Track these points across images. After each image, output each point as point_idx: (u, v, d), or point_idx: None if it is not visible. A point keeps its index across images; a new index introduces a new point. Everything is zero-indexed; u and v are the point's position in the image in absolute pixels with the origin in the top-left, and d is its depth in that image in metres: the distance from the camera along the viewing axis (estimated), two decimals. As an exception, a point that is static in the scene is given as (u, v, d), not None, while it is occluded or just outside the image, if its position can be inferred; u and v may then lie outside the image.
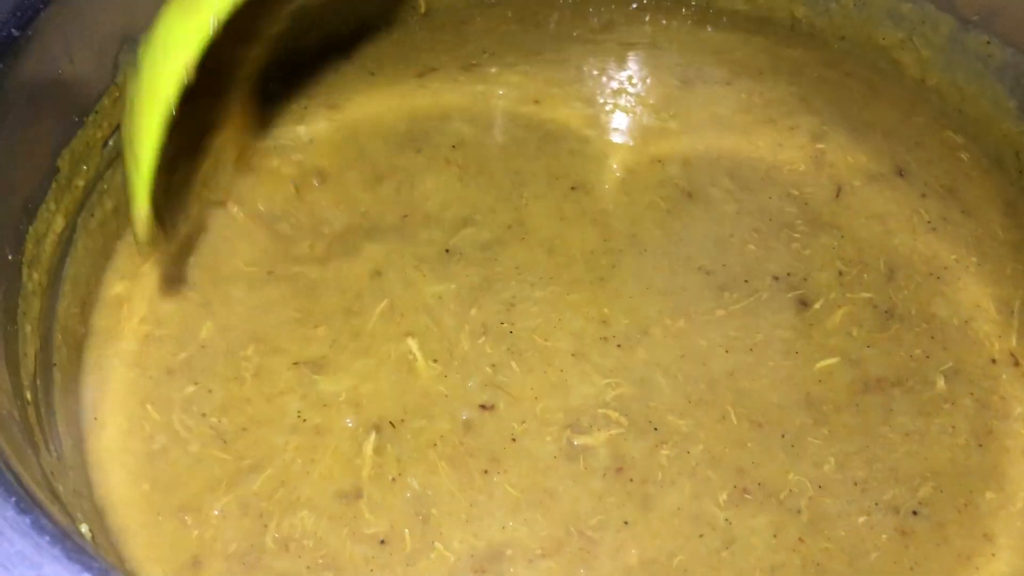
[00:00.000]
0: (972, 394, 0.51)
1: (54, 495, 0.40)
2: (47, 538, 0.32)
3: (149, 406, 0.52)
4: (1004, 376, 0.52)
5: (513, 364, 0.52)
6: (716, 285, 0.55)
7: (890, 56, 0.62)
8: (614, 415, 0.51)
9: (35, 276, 0.50)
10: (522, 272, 0.55)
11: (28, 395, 0.45)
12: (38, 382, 0.48)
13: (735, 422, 0.50)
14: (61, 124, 0.53)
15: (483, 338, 0.53)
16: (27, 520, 0.32)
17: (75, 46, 0.53)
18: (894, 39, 0.61)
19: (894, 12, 0.60)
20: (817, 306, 0.54)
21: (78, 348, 0.54)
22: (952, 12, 0.57)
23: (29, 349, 0.48)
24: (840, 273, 0.55)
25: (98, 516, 0.47)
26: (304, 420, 0.51)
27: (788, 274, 0.55)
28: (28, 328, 0.48)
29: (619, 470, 0.49)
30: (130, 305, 0.56)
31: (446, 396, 0.51)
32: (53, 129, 0.52)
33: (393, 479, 0.49)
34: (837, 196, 0.58)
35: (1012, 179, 0.57)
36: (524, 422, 0.50)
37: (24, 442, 0.40)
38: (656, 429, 0.50)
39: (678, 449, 0.49)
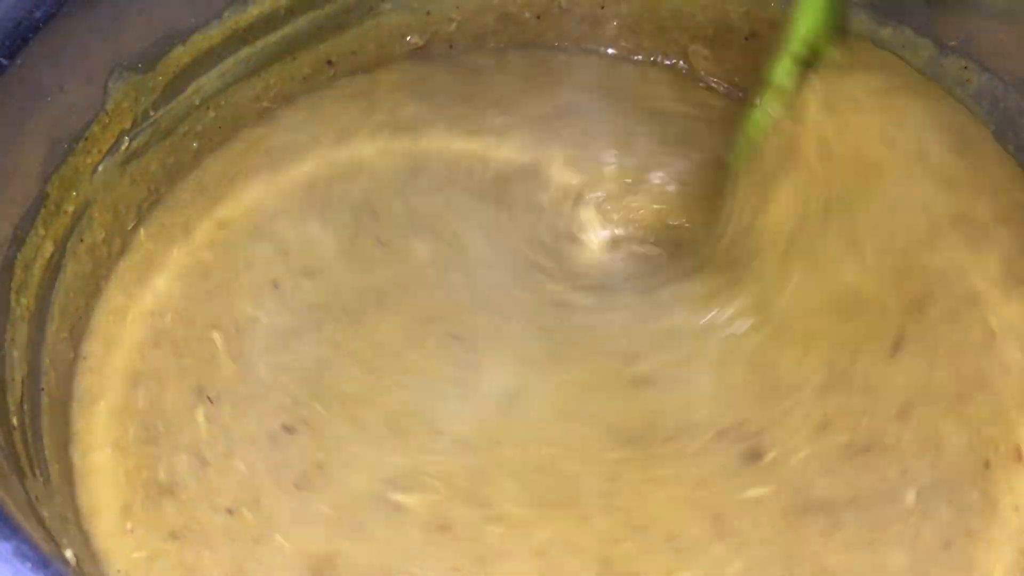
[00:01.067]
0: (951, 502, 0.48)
1: (39, 521, 0.40)
2: (28, 564, 0.32)
3: (139, 432, 0.52)
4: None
5: None
6: None
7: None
8: None
9: (23, 302, 0.51)
10: None
11: (14, 420, 0.46)
12: (25, 407, 0.48)
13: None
14: (51, 150, 0.53)
15: None
16: (8, 547, 0.33)
17: (65, 74, 0.54)
18: (875, 63, 0.61)
19: (875, 36, 0.61)
20: None
21: (67, 373, 0.54)
22: (930, 37, 0.58)
23: (16, 375, 0.48)
24: None
25: (84, 541, 0.48)
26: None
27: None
28: (16, 354, 0.49)
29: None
30: (120, 331, 0.56)
31: None
32: (43, 155, 0.53)
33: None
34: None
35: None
36: None
37: (8, 468, 0.41)
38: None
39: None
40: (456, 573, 0.47)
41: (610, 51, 0.69)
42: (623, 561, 0.47)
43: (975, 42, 0.56)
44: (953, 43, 0.57)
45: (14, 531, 0.34)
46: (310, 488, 0.50)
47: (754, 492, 0.48)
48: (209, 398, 0.53)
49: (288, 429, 0.52)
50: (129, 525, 0.49)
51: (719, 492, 0.48)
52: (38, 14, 0.51)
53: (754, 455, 0.49)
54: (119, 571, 0.47)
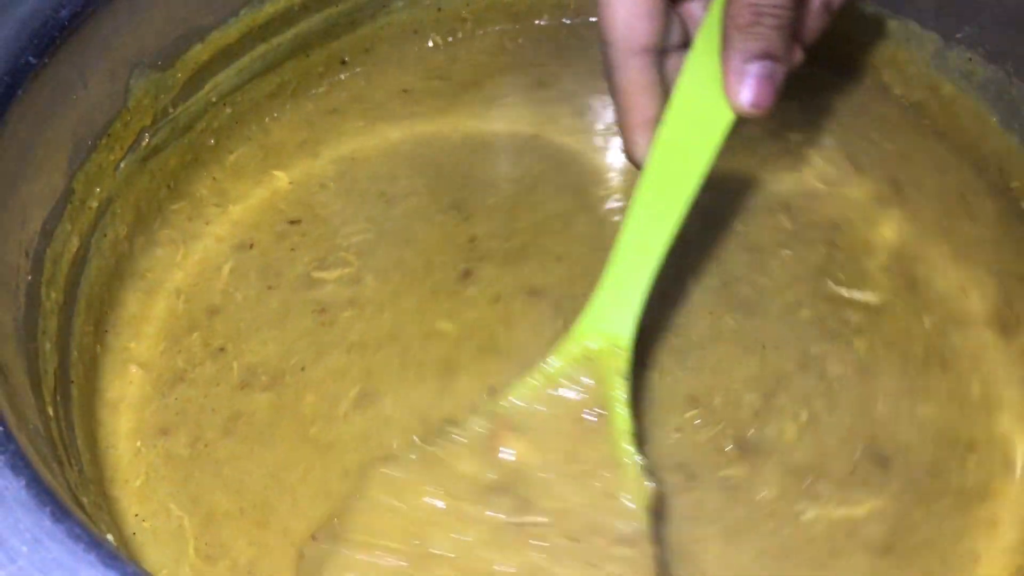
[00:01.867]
0: None
1: (80, 506, 0.41)
2: (82, 545, 0.33)
3: (161, 423, 0.53)
4: None
5: None
6: None
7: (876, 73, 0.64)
8: None
9: (52, 295, 0.52)
10: None
11: (50, 411, 0.47)
12: (58, 398, 0.49)
13: None
14: (76, 147, 0.54)
15: None
16: (62, 528, 0.34)
17: (89, 73, 0.55)
18: (881, 57, 0.63)
19: (882, 30, 0.62)
20: None
21: (93, 366, 0.55)
22: (936, 30, 0.60)
23: (49, 366, 0.49)
24: None
25: (117, 529, 0.49)
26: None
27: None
28: (47, 346, 0.50)
29: None
30: (141, 323, 0.57)
31: None
32: (69, 152, 0.54)
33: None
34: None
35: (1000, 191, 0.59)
36: None
37: (51, 457, 0.42)
38: None
39: None
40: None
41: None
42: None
43: (980, 35, 0.58)
44: (959, 35, 0.59)
45: (66, 514, 0.35)
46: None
47: None
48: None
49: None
50: (147, 524, 0.50)
51: None
52: (63, 13, 0.52)
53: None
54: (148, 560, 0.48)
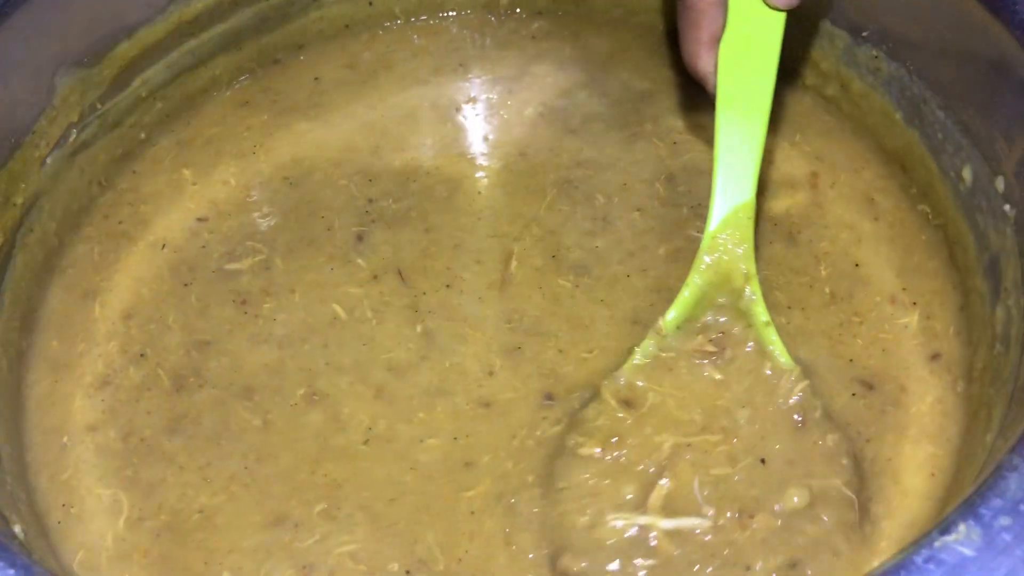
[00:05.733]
0: None
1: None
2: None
3: (90, 421, 0.54)
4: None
5: None
6: None
7: (790, 68, 0.65)
8: None
9: (-24, 292, 0.53)
10: None
11: (-32, 405, 0.48)
12: (-23, 393, 0.50)
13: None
14: (-1, 145, 0.55)
15: None
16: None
17: (10, 71, 0.55)
18: (794, 53, 0.64)
19: (793, 26, 0.63)
20: None
21: (19, 361, 0.56)
22: (845, 28, 0.61)
23: (-30, 361, 0.51)
24: None
25: (37, 520, 0.50)
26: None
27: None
28: (-31, 341, 0.51)
29: None
30: (71, 320, 0.58)
31: None
32: (-9, 150, 0.55)
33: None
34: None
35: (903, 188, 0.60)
36: None
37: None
38: None
39: None
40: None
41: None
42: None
43: (884, 33, 0.59)
44: (865, 34, 0.60)
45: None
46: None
47: None
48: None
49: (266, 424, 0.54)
50: (75, 510, 0.51)
51: None
52: (-17, 12, 0.53)
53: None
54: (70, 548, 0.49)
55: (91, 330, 0.57)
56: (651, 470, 0.49)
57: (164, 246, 0.60)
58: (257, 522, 0.50)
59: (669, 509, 0.47)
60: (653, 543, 0.46)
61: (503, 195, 0.62)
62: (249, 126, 0.66)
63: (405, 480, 0.51)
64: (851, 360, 0.54)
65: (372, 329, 0.56)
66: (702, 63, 0.52)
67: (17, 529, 0.43)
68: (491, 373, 0.54)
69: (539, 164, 0.63)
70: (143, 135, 0.65)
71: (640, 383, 0.51)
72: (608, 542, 0.47)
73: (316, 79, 0.69)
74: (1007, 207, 0.51)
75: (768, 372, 0.51)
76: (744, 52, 0.51)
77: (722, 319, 0.52)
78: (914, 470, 0.50)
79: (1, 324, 0.55)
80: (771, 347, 0.51)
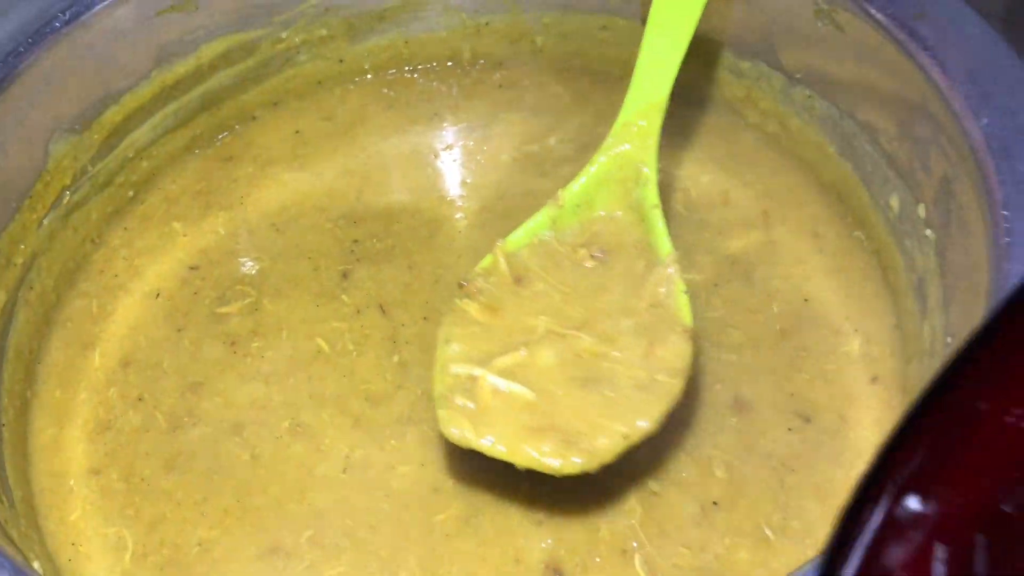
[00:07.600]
0: None
1: (8, 539, 0.46)
2: (5, 573, 0.38)
3: (93, 465, 0.57)
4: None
5: None
6: None
7: (734, 108, 0.70)
8: None
9: (-18, 346, 0.56)
10: None
11: (-20, 452, 0.52)
12: (-11, 441, 0.54)
13: None
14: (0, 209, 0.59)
15: None
16: (-13, 560, 0.39)
17: (7, 139, 0.59)
18: (738, 93, 0.69)
19: (735, 68, 0.68)
20: None
21: (24, 410, 0.59)
22: (780, 70, 0.66)
23: (-20, 413, 0.54)
24: None
25: (50, 559, 0.53)
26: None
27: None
28: (-21, 394, 0.54)
29: None
30: (71, 369, 0.61)
31: None
32: (-8, 214, 0.59)
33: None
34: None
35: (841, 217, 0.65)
36: None
37: (-20, 494, 0.47)
38: None
39: None
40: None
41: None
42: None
43: (816, 75, 0.64)
44: (799, 76, 0.65)
45: (-10, 546, 0.40)
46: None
47: None
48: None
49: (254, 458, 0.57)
50: (83, 548, 0.54)
51: None
52: (-20, 84, 0.57)
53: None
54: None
55: (92, 378, 0.61)
56: (518, 342, 0.53)
57: (158, 295, 0.64)
58: (252, 553, 0.53)
59: (508, 373, 0.52)
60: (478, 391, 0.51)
61: (481, 234, 0.66)
62: (235, 178, 0.70)
63: (382, 507, 0.55)
64: (792, 394, 0.56)
65: (352, 361, 0.60)
66: None
67: (36, 566, 0.47)
68: None
69: (515, 206, 0.67)
70: (131, 193, 0.69)
71: (532, 265, 0.56)
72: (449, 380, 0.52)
73: (297, 132, 0.73)
74: (928, 232, 0.55)
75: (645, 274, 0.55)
76: None
77: (617, 213, 0.57)
78: (844, 491, 0.53)
79: (6, 376, 0.58)
80: (654, 236, 0.56)
